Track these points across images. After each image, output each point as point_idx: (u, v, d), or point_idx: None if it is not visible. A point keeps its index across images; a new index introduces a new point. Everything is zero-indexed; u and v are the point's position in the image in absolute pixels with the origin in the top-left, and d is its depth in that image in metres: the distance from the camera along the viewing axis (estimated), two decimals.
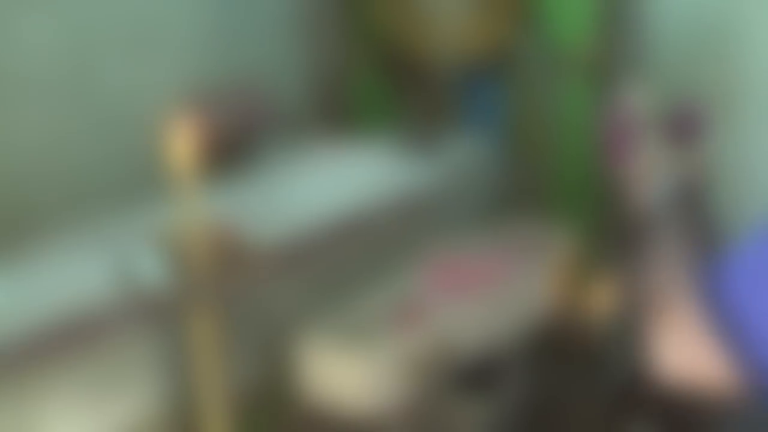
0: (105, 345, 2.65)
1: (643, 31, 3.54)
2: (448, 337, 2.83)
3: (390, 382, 2.75)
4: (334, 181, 3.32)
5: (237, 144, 3.31)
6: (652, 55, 3.55)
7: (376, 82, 3.92)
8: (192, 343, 2.63)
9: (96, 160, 3.53)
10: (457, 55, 3.75)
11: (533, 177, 3.73)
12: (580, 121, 3.62)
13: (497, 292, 2.99)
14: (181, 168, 2.62)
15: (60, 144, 3.48)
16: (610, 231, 3.34)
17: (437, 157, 3.53)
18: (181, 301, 2.62)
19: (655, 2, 3.50)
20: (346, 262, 3.07)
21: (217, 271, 2.61)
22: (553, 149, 3.69)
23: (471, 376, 2.90)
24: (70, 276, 2.75)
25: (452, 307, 2.90)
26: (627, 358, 2.74)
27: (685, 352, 2.27)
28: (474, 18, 3.73)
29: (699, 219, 2.94)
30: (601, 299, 3.08)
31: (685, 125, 3.28)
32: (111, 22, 3.57)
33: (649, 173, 3.25)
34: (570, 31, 3.60)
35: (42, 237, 2.98)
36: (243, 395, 2.76)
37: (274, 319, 2.89)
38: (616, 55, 3.57)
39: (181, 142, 2.64)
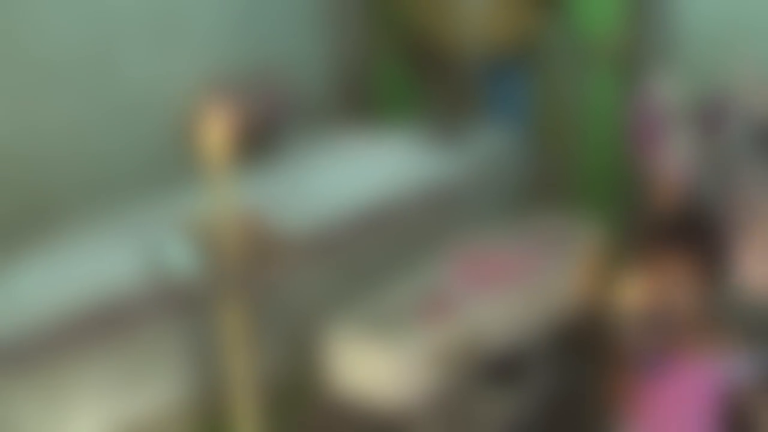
0: (133, 334, 2.65)
1: (671, 22, 3.51)
2: (474, 330, 2.81)
3: (417, 374, 2.74)
4: (360, 171, 3.30)
5: (264, 133, 3.30)
6: (680, 46, 3.51)
7: (400, 71, 3.89)
8: (220, 333, 2.62)
9: (123, 148, 3.53)
10: (482, 45, 3.73)
11: (559, 168, 3.71)
12: (607, 111, 3.59)
13: (524, 286, 2.97)
14: (210, 156, 2.61)
15: (87, 131, 3.48)
16: (638, 222, 3.31)
17: (462, 147, 3.50)
18: (210, 291, 2.61)
19: None
20: (372, 253, 3.06)
21: (247, 261, 2.60)
22: (579, 140, 3.67)
23: (497, 369, 2.88)
24: (99, 264, 2.75)
25: (479, 300, 2.88)
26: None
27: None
28: (500, 7, 3.70)
29: None
30: (628, 293, 3.05)
31: (711, 117, 3.24)
32: (136, 11, 3.56)
33: (678, 163, 3.22)
34: (597, 21, 3.57)
35: (70, 225, 2.97)
36: (271, 386, 2.75)
37: (302, 309, 2.88)
38: (644, 46, 3.54)
39: (210, 131, 2.64)
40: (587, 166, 3.66)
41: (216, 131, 2.60)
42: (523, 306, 2.95)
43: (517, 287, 2.97)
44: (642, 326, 2.67)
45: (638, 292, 2.73)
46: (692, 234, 3.01)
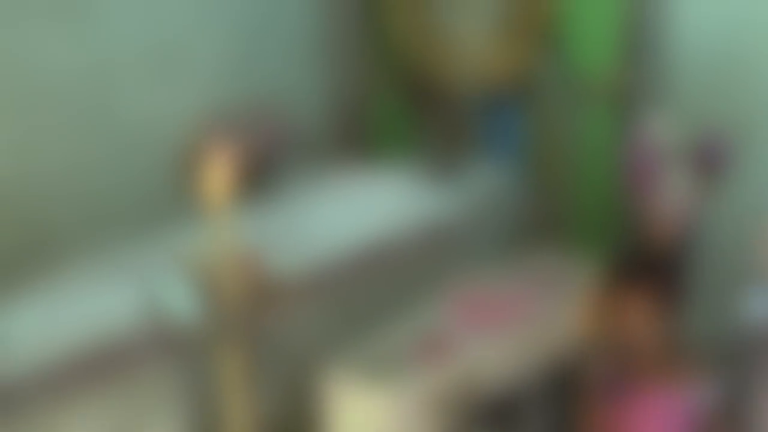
0: (130, 376, 2.65)
1: (666, 61, 3.53)
2: (472, 372, 2.82)
3: (414, 416, 2.75)
4: (358, 208, 3.32)
5: (263, 170, 3.32)
6: (675, 85, 3.54)
7: (398, 108, 3.92)
8: (218, 376, 2.62)
9: (122, 185, 3.54)
10: (478, 82, 3.75)
11: (555, 206, 3.73)
12: (603, 149, 3.62)
13: (521, 327, 2.98)
14: (210, 193, 2.62)
15: (86, 168, 3.49)
16: (631, 259, 3.32)
17: (459, 184, 3.52)
18: (208, 333, 2.62)
19: (678, 32, 3.49)
20: (369, 293, 3.07)
21: (245, 303, 2.61)
22: (574, 178, 3.69)
23: (493, 411, 2.89)
24: (97, 304, 2.75)
25: (476, 341, 2.90)
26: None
27: None
28: (496, 44, 3.72)
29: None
30: (625, 333, 3.06)
31: (710, 156, 3.27)
32: (135, 47, 3.58)
33: (673, 202, 3.24)
34: (593, 59, 3.60)
35: (69, 263, 2.98)
36: (268, 428, 2.75)
37: (298, 351, 2.88)
38: (639, 84, 3.56)
39: (210, 168, 2.65)
40: (582, 204, 3.68)
41: (216, 169, 2.62)
42: (520, 347, 2.96)
43: (515, 328, 2.99)
44: (611, 356, 2.72)
45: (609, 323, 2.78)
46: (671, 270, 3.06)
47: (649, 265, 3.11)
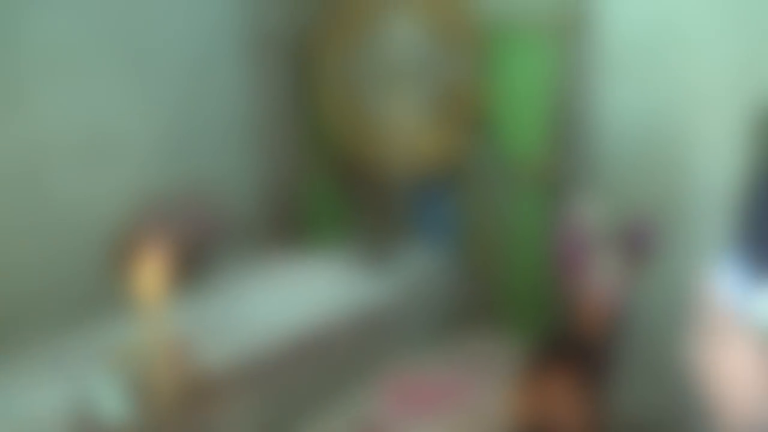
0: None
1: (593, 146, 3.62)
2: None
3: None
4: (291, 295, 3.30)
5: (195, 259, 3.29)
6: (602, 169, 3.62)
7: (329, 192, 3.93)
8: None
9: (49, 275, 3.46)
10: (410, 166, 3.79)
11: (487, 289, 3.76)
12: (533, 233, 3.67)
13: (455, 410, 2.98)
14: (141, 284, 2.58)
15: (10, 255, 3.41)
16: (561, 344, 3.36)
17: (392, 269, 3.53)
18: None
19: (604, 119, 3.59)
20: (305, 382, 3.04)
21: (178, 399, 2.56)
22: (506, 261, 3.73)
23: None
24: (22, 404, 2.66)
25: (411, 427, 2.88)
26: None
27: None
28: (427, 129, 3.78)
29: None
30: (550, 415, 3.08)
31: (636, 239, 3.34)
32: (65, 129, 3.55)
33: (602, 285, 3.30)
34: (522, 144, 3.67)
35: None
36: None
37: None
38: (568, 168, 3.64)
39: (140, 258, 2.61)
40: (513, 287, 3.72)
41: (148, 259, 2.58)
42: (455, 430, 2.96)
43: (448, 413, 2.98)
44: None
45: (536, 406, 2.80)
46: (598, 353, 3.11)
47: (577, 348, 3.15)
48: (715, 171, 3.43)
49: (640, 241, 3.35)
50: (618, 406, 3.21)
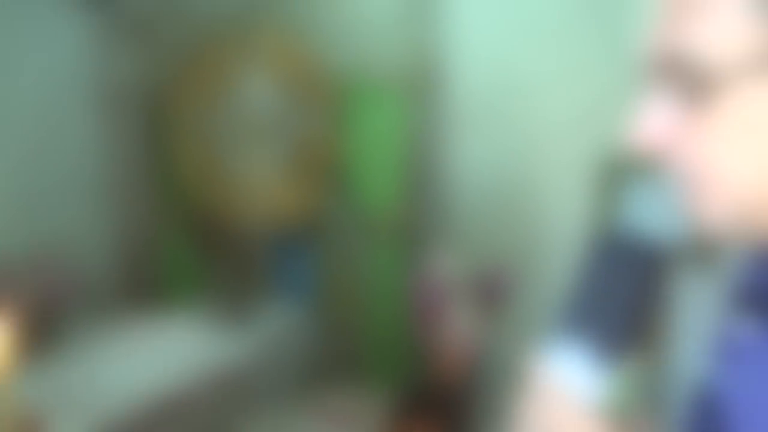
0: None
1: (447, 198, 3.71)
2: None
3: None
4: (147, 357, 3.24)
5: (45, 325, 3.19)
6: (456, 221, 3.71)
7: (186, 250, 3.89)
8: None
9: None
10: (267, 222, 3.80)
11: (348, 343, 3.78)
12: (391, 286, 3.72)
13: None
14: None
15: None
16: (425, 393, 3.41)
17: (251, 326, 3.52)
18: None
19: (459, 171, 3.69)
20: None
21: None
22: (365, 314, 3.76)
23: None
24: None
25: None
26: None
27: None
28: (283, 184, 3.80)
29: None
30: None
31: (489, 289, 3.43)
32: None
33: (459, 335, 3.37)
34: (377, 197, 3.73)
35: None
36: None
37: None
38: (422, 221, 3.71)
39: None
40: (373, 341, 3.75)
41: None
42: None
43: None
44: None
45: None
46: (458, 401, 3.18)
47: (438, 398, 3.21)
48: (564, 219, 3.55)
49: (494, 290, 3.44)
50: None
